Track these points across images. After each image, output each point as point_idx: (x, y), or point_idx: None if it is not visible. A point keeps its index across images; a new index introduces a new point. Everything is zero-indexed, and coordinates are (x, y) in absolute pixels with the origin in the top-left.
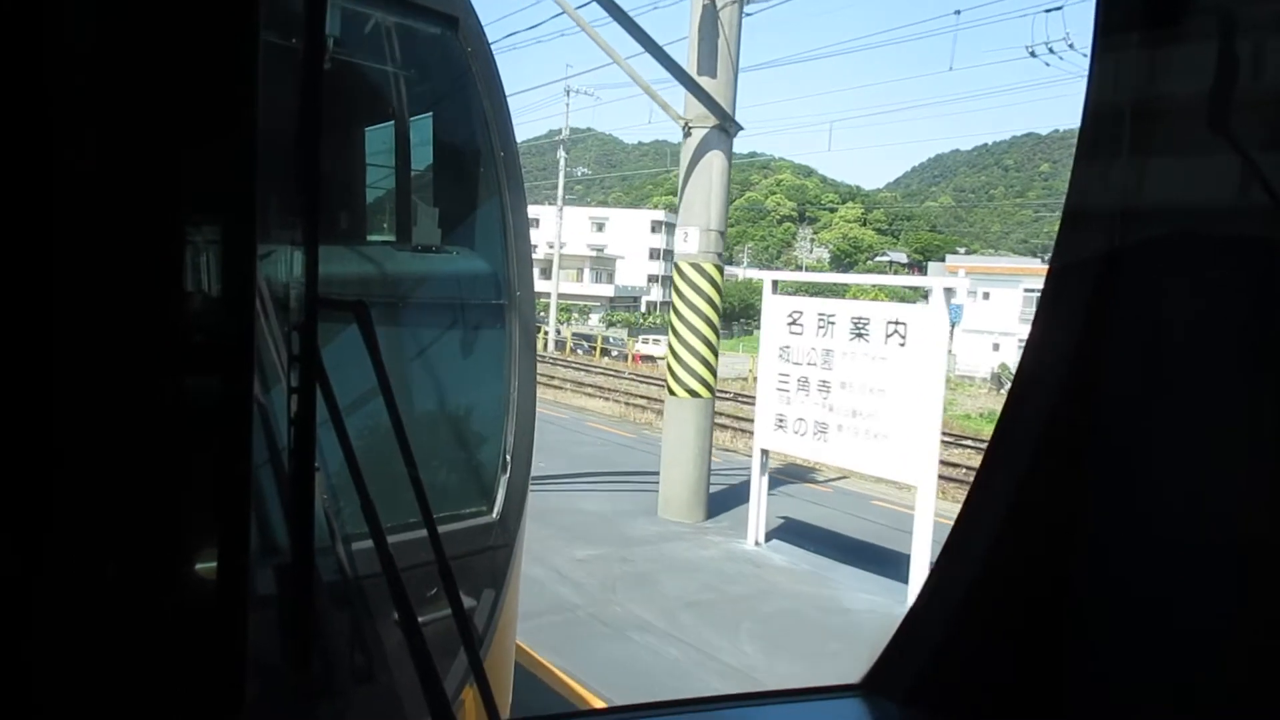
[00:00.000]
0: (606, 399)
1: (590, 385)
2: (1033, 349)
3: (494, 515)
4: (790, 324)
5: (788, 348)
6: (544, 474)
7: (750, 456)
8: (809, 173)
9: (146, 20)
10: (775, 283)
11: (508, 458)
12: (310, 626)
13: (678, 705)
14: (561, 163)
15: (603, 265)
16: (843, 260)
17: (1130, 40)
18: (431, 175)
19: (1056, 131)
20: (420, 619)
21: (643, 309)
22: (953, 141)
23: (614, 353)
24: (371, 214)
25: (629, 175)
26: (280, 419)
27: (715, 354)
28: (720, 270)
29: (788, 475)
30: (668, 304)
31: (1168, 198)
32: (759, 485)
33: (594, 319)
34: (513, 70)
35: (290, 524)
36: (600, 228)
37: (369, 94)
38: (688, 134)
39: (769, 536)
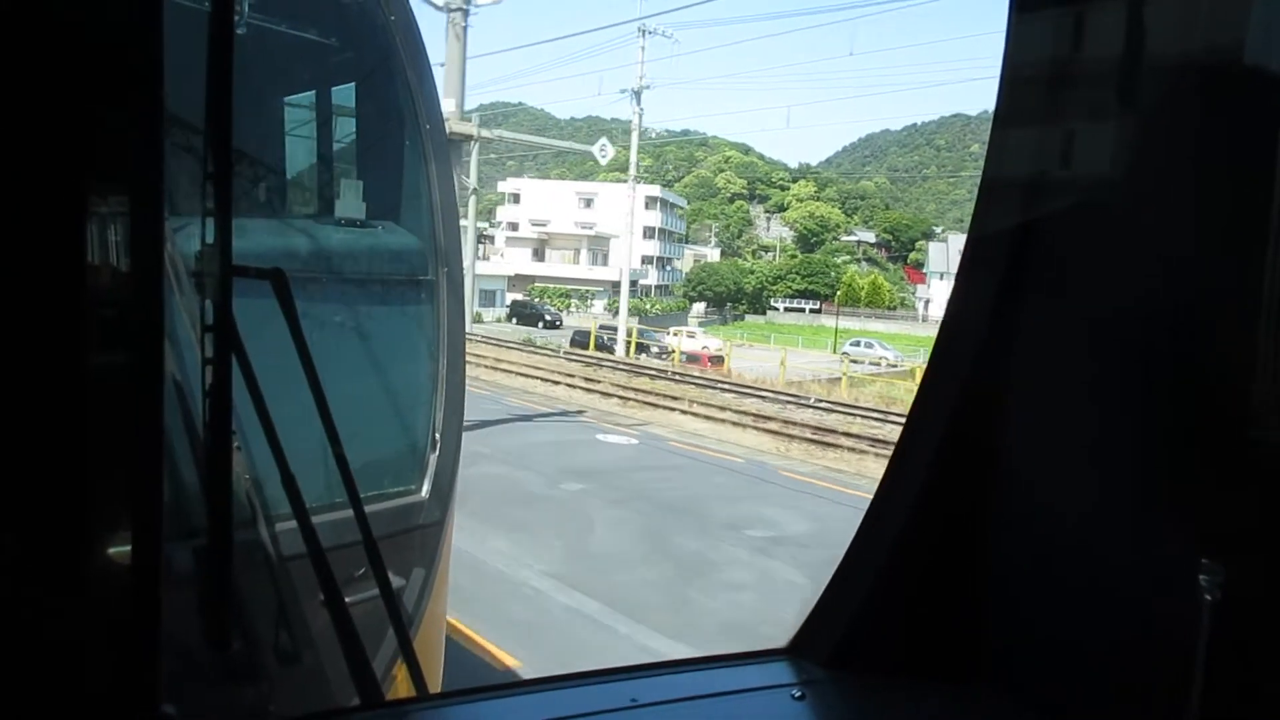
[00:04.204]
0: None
1: (768, 418)
2: (951, 316)
3: (423, 494)
4: None
5: None
6: None
7: None
8: (747, 150)
9: None
10: None
11: (437, 435)
12: (229, 608)
13: (607, 674)
14: (635, 119)
15: (599, 246)
16: (809, 240)
17: (1044, 12)
18: (354, 148)
19: (985, 113)
20: (348, 599)
21: (639, 294)
22: (882, 121)
23: (653, 349)
24: (293, 187)
25: (563, 152)
26: (195, 393)
27: None
28: None
29: None
30: (662, 288)
31: (1080, 165)
32: None
33: (598, 305)
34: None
35: (208, 502)
36: (589, 203)
37: (285, 61)
38: None
39: None
